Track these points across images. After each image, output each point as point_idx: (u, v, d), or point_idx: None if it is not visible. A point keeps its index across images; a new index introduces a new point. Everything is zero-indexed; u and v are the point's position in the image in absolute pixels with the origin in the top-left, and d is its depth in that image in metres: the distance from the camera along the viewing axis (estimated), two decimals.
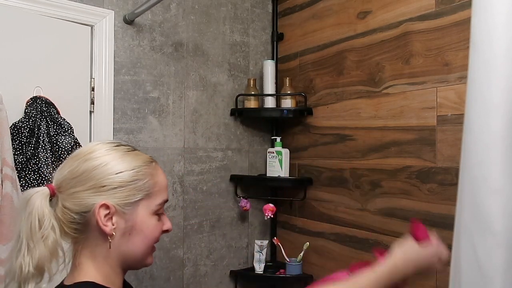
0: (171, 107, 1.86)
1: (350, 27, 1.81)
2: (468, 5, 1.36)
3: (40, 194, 0.76)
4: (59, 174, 0.80)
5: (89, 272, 0.78)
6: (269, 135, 2.17)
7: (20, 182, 1.36)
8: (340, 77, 1.85)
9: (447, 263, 0.89)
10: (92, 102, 1.65)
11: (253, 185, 2.11)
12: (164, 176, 0.87)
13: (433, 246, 0.88)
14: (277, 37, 2.17)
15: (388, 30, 1.65)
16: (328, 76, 1.91)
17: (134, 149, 0.86)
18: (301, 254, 1.93)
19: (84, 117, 1.63)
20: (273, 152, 2.02)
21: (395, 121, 1.62)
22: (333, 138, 1.88)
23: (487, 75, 0.85)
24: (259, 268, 2.01)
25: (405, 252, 0.87)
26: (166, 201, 0.86)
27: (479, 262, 0.84)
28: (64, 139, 1.47)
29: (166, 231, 0.87)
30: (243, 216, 2.09)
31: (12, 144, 1.35)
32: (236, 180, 2.05)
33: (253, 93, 2.04)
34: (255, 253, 2.03)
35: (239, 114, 2.05)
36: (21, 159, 1.38)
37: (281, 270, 2.00)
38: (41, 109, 1.45)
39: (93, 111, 1.65)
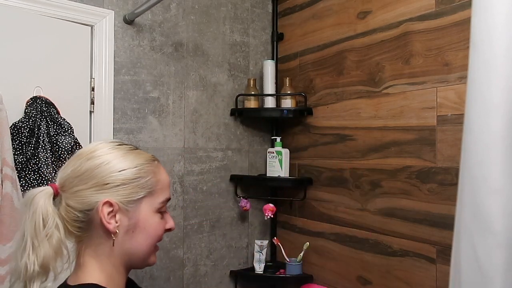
0: (171, 107, 1.86)
1: (350, 27, 1.81)
2: (468, 5, 1.36)
3: (43, 193, 0.77)
4: (63, 173, 0.80)
5: (93, 272, 0.78)
6: (269, 135, 2.17)
7: (20, 182, 1.36)
8: (340, 77, 1.85)
9: None
10: (92, 102, 1.65)
11: (253, 185, 2.11)
12: (167, 175, 0.88)
13: None
14: (277, 37, 2.17)
15: (388, 30, 1.65)
16: (328, 76, 1.91)
17: (136, 148, 0.86)
18: (301, 254, 1.93)
19: (84, 117, 1.63)
20: (273, 152, 2.02)
21: (395, 121, 1.62)
22: (333, 138, 1.88)
23: (487, 75, 0.85)
24: (259, 268, 2.01)
25: None
26: (169, 199, 0.87)
27: (479, 262, 0.84)
28: (64, 139, 1.47)
29: (169, 229, 0.87)
30: (243, 216, 2.09)
31: (12, 144, 1.35)
32: (236, 180, 2.05)
33: (253, 93, 2.04)
34: (255, 253, 2.03)
35: (239, 114, 2.05)
36: (21, 159, 1.38)
37: (281, 270, 2.00)
38: (41, 109, 1.45)
39: (93, 111, 1.65)
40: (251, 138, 2.13)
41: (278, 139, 2.04)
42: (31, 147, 1.40)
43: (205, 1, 1.98)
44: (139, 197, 0.80)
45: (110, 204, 0.77)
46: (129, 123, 1.74)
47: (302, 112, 2.00)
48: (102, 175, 0.78)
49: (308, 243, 1.93)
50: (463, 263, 0.87)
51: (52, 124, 1.46)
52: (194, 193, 1.93)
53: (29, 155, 1.40)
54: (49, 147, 1.44)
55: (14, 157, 1.35)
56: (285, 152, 2.02)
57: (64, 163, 1.44)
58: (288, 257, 1.96)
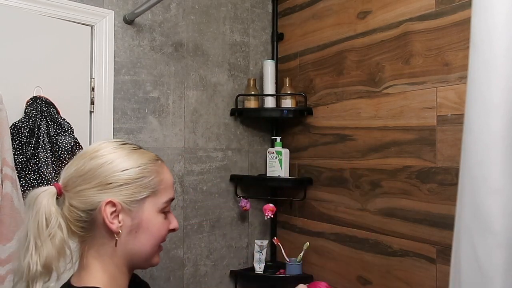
0: (171, 107, 1.86)
1: (350, 27, 1.81)
2: (468, 5, 1.36)
3: (47, 193, 0.76)
4: (66, 173, 0.80)
5: (96, 273, 0.78)
6: (269, 135, 2.17)
7: (20, 182, 1.36)
8: (340, 77, 1.85)
9: None
10: (92, 102, 1.65)
11: (253, 185, 2.11)
12: (170, 174, 0.87)
13: None
14: (277, 37, 2.17)
15: (388, 30, 1.65)
16: (328, 76, 1.91)
17: (140, 148, 0.86)
18: (301, 254, 1.93)
19: (84, 117, 1.63)
20: (273, 152, 2.02)
21: (395, 121, 1.62)
22: (333, 138, 1.88)
23: (487, 75, 0.84)
24: (259, 268, 2.01)
25: None
26: (173, 199, 0.86)
27: (479, 262, 0.84)
28: (64, 139, 1.47)
29: (173, 230, 0.86)
30: (243, 216, 2.09)
31: (12, 144, 1.35)
32: (236, 180, 2.05)
33: (253, 93, 2.04)
34: (255, 253, 2.03)
35: (239, 114, 2.05)
36: (21, 159, 1.38)
37: (281, 270, 2.00)
38: (41, 109, 1.45)
39: (93, 111, 1.65)
40: (251, 138, 2.13)
41: (278, 139, 2.04)
42: (31, 147, 1.40)
43: (205, 1, 1.98)
44: (142, 197, 0.79)
45: (113, 204, 0.76)
46: (129, 123, 1.74)
47: (302, 112, 2.00)
48: (105, 174, 0.77)
49: (308, 243, 1.93)
50: (463, 263, 0.87)
51: (52, 124, 1.46)
52: (194, 193, 1.93)
53: (29, 155, 1.40)
54: (49, 147, 1.44)
55: (14, 157, 1.35)
56: (285, 152, 2.02)
57: (64, 163, 1.46)
58: (288, 257, 1.96)
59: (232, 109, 2.05)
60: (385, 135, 1.66)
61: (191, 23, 1.93)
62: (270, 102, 2.05)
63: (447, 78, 1.46)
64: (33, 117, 1.42)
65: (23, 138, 1.40)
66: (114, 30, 1.70)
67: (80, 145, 1.52)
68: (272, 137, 2.12)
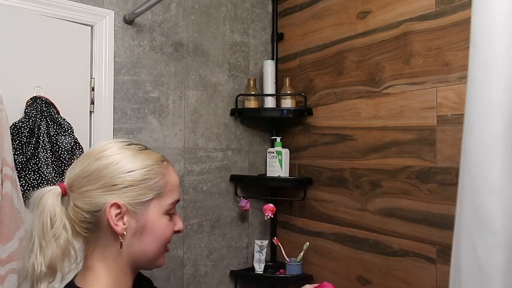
0: (171, 107, 1.86)
1: (350, 27, 1.81)
2: (468, 5, 1.36)
3: (52, 193, 0.76)
4: (71, 172, 0.79)
5: (99, 275, 0.78)
6: (269, 135, 2.17)
7: (20, 182, 1.36)
8: (340, 77, 1.85)
9: None
10: (92, 102, 1.65)
11: (253, 185, 2.11)
12: (176, 176, 0.86)
13: None
14: (277, 37, 2.17)
15: (388, 30, 1.65)
16: (328, 76, 1.91)
17: (146, 148, 0.85)
18: (301, 254, 1.93)
19: (84, 117, 1.63)
20: (273, 152, 2.02)
21: (395, 121, 1.62)
22: (333, 138, 1.88)
23: (487, 75, 0.85)
24: (259, 268, 2.01)
25: None
26: (178, 201, 0.85)
27: (479, 262, 0.84)
28: (64, 139, 1.47)
29: (178, 231, 0.86)
30: (243, 216, 2.09)
31: (12, 144, 1.35)
32: (236, 180, 2.05)
33: (253, 93, 2.04)
34: (255, 253, 2.03)
35: (239, 114, 2.05)
36: (21, 159, 1.38)
37: (281, 270, 2.00)
38: (41, 109, 1.45)
39: (93, 111, 1.65)
40: (251, 138, 2.13)
41: (278, 139, 2.04)
42: (31, 147, 1.40)
43: (205, 1, 1.98)
44: (148, 199, 0.79)
45: (117, 205, 0.76)
46: (129, 123, 1.74)
47: (302, 112, 2.00)
48: (111, 175, 0.77)
49: (308, 243, 1.93)
50: (463, 263, 0.87)
51: (52, 124, 1.46)
52: (194, 193, 1.92)
53: (29, 155, 1.40)
54: (49, 147, 1.44)
55: (14, 157, 1.35)
56: (285, 152, 2.02)
57: (64, 163, 1.45)
58: (288, 257, 1.96)
59: (232, 109, 2.05)
60: (385, 135, 1.66)
61: (191, 23, 1.93)
62: (270, 102, 2.05)
63: (447, 78, 1.46)
64: (33, 117, 1.42)
65: (23, 138, 1.40)
66: (114, 30, 1.70)
67: (80, 145, 1.52)
68: (272, 137, 2.12)
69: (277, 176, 2.00)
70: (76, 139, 1.51)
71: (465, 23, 1.39)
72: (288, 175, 2.02)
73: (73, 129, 1.50)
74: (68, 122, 1.50)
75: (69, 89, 1.57)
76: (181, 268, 1.88)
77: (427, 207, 1.50)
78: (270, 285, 2.10)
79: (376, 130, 1.69)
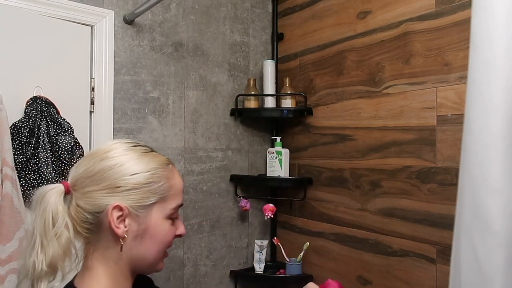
0: (171, 107, 1.86)
1: (350, 27, 1.81)
2: (468, 5, 1.36)
3: (55, 191, 0.75)
4: (75, 171, 0.79)
5: (99, 277, 0.77)
6: (269, 135, 2.17)
7: (20, 182, 1.36)
8: (340, 77, 1.85)
9: None
10: (92, 102, 1.65)
11: (253, 185, 2.11)
12: (181, 179, 0.86)
13: None
14: (277, 37, 2.17)
15: (388, 30, 1.65)
16: (328, 76, 1.91)
17: (152, 150, 0.84)
18: (301, 254, 1.93)
19: (84, 117, 1.63)
20: (273, 152, 2.02)
21: (395, 121, 1.62)
22: (333, 138, 1.88)
23: (487, 75, 0.84)
24: (259, 268, 2.01)
25: None
26: (181, 205, 0.84)
27: (479, 262, 0.84)
28: (64, 139, 1.47)
29: (179, 235, 0.85)
30: (243, 216, 2.09)
31: (12, 144, 1.35)
32: (236, 180, 2.05)
33: (253, 93, 2.04)
34: (255, 253, 2.03)
35: (239, 114, 2.05)
36: (21, 159, 1.38)
37: (281, 270, 2.00)
38: (41, 109, 1.45)
39: (93, 111, 1.65)
40: (251, 138, 2.13)
41: (278, 139, 2.04)
42: (31, 147, 1.41)
43: (205, 1, 1.98)
44: (150, 202, 0.78)
45: (120, 208, 0.75)
46: (129, 123, 1.74)
47: (302, 112, 2.00)
48: (115, 177, 0.76)
49: (308, 243, 1.93)
50: (463, 263, 0.87)
51: (52, 124, 1.46)
52: (194, 193, 1.92)
53: (29, 155, 1.40)
54: (49, 147, 1.44)
55: (14, 157, 1.35)
56: (285, 152, 2.02)
57: (64, 163, 1.45)
58: (288, 257, 1.96)
59: (232, 109, 2.05)
60: (385, 135, 1.66)
61: (191, 23, 1.93)
62: (270, 102, 2.05)
63: (447, 78, 1.46)
64: (33, 117, 1.42)
65: (23, 138, 1.40)
66: (114, 30, 1.70)
67: (80, 145, 1.52)
68: (272, 137, 2.12)
69: (277, 176, 2.00)
70: (76, 139, 1.51)
71: (465, 23, 1.39)
72: (288, 175, 2.02)
73: (73, 129, 1.50)
74: (68, 122, 1.50)
75: (69, 89, 1.57)
76: (181, 268, 1.88)
77: (427, 207, 1.50)
78: (270, 285, 2.10)
79: (376, 130, 1.69)
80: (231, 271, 2.04)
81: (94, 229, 0.77)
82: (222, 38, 2.04)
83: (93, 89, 1.65)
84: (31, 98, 1.45)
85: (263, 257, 2.02)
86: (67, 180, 0.79)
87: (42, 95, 1.48)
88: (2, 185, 1.26)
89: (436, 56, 1.49)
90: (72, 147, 1.48)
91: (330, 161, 1.89)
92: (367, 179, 1.72)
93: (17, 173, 1.35)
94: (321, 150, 1.94)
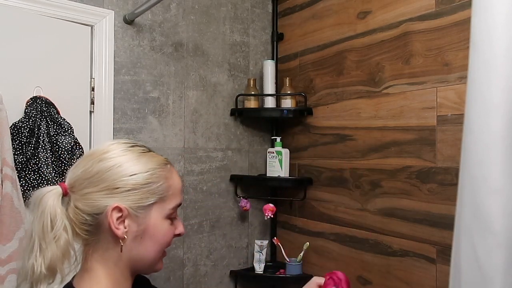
0: (171, 107, 1.86)
1: (350, 27, 1.81)
2: (468, 5, 1.36)
3: (52, 193, 0.75)
4: (73, 173, 0.78)
5: (99, 278, 0.77)
6: (269, 135, 2.17)
7: (20, 182, 1.36)
8: (340, 77, 1.85)
9: None
10: (92, 102, 1.65)
11: (253, 185, 2.11)
12: (179, 179, 0.85)
13: None
14: (277, 37, 2.17)
15: (388, 30, 1.65)
16: (328, 76, 1.91)
17: (149, 150, 0.84)
18: (301, 254, 1.93)
19: (84, 117, 1.63)
20: (273, 152, 2.02)
21: (395, 121, 1.62)
22: (333, 138, 1.88)
23: (487, 75, 0.84)
24: (259, 268, 2.01)
25: None
26: (180, 205, 0.84)
27: (479, 262, 0.84)
28: (64, 139, 1.47)
29: (178, 235, 0.85)
30: (243, 216, 2.09)
31: (12, 144, 1.35)
32: (236, 180, 2.05)
33: (253, 93, 2.04)
34: (255, 253, 2.03)
35: (239, 114, 2.05)
36: (21, 159, 1.38)
37: (281, 270, 2.00)
38: (41, 109, 1.45)
39: (93, 111, 1.65)
40: (251, 138, 2.13)
41: (278, 139, 2.04)
42: (31, 147, 1.40)
43: (205, 1, 1.98)
44: (150, 203, 0.78)
45: (119, 209, 0.75)
46: (129, 123, 1.74)
47: (302, 112, 2.00)
48: (113, 178, 0.76)
49: (308, 243, 1.93)
50: (463, 263, 0.87)
51: (52, 124, 1.46)
52: (194, 193, 1.93)
53: (29, 155, 1.40)
54: (49, 147, 1.44)
55: (14, 157, 1.35)
56: (285, 152, 2.02)
57: (64, 163, 1.45)
58: (288, 257, 1.96)
59: (232, 109, 2.05)
60: (385, 135, 1.66)
61: (191, 23, 1.93)
62: (270, 102, 2.05)
63: (447, 78, 1.46)
64: (33, 117, 1.42)
65: (23, 138, 1.40)
66: (114, 30, 1.70)
67: (80, 145, 1.52)
68: (272, 137, 2.12)
69: (277, 176, 2.00)
70: (76, 139, 1.51)
71: (465, 23, 1.39)
72: (288, 175, 2.02)
73: (73, 129, 1.50)
74: (68, 122, 1.50)
75: (69, 89, 1.57)
76: (181, 268, 1.88)
77: (427, 207, 1.50)
78: (270, 285, 2.10)
79: (376, 130, 1.69)
80: (231, 271, 2.04)
81: (93, 230, 0.77)
82: (222, 38, 2.04)
83: (93, 89, 1.65)
84: (31, 98, 1.45)
85: (263, 257, 2.02)
86: (65, 181, 0.79)
87: (42, 95, 1.47)
88: (2, 185, 1.26)
89: (436, 56, 1.49)
90: (72, 147, 1.48)
91: (330, 161, 1.89)
92: (367, 179, 1.72)
93: (17, 173, 1.35)
94: (321, 150, 1.94)
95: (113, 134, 1.69)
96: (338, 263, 1.83)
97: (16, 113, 1.41)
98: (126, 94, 1.74)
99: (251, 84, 2.05)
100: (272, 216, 1.97)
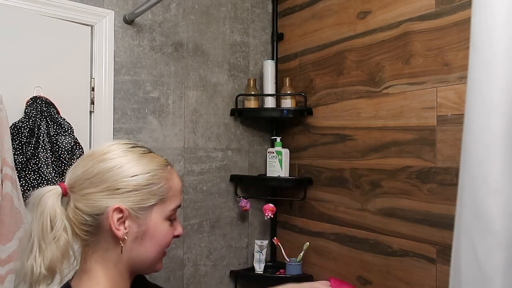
0: (171, 107, 1.86)
1: (350, 27, 1.81)
2: (468, 5, 1.36)
3: (52, 193, 0.74)
4: (72, 173, 0.78)
5: (98, 279, 0.77)
6: (269, 135, 2.17)
7: (20, 182, 1.36)
8: (340, 77, 1.85)
9: None
10: (92, 102, 1.65)
11: (253, 185, 2.11)
12: (179, 180, 0.85)
13: None
14: (277, 37, 2.17)
15: (388, 30, 1.65)
16: (328, 76, 1.91)
17: (150, 151, 0.84)
18: (301, 254, 1.93)
19: (84, 117, 1.63)
20: (273, 152, 2.02)
21: (395, 121, 1.62)
22: (333, 138, 1.88)
23: (487, 75, 0.84)
24: (259, 268, 2.01)
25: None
26: (180, 206, 0.84)
27: (479, 262, 0.84)
28: (64, 139, 1.47)
29: (177, 236, 0.85)
30: (243, 216, 2.09)
31: (12, 144, 1.35)
32: (236, 180, 2.05)
33: (253, 93, 2.04)
34: (255, 253, 2.03)
35: (239, 114, 2.05)
36: (21, 159, 1.38)
37: (281, 270, 2.00)
38: (41, 109, 1.45)
39: (93, 111, 1.65)
40: (251, 138, 2.13)
41: (278, 139, 2.04)
42: (31, 147, 1.41)
43: (205, 1, 1.98)
44: (150, 204, 0.77)
45: (120, 210, 0.74)
46: (129, 123, 1.74)
47: (302, 112, 2.00)
48: (114, 179, 0.75)
49: (308, 243, 1.93)
50: (463, 263, 0.87)
51: (52, 124, 1.46)
52: (194, 193, 1.93)
53: (29, 155, 1.40)
54: (49, 147, 1.44)
55: (14, 157, 1.35)
56: (285, 152, 2.02)
57: (64, 163, 1.45)
58: (288, 257, 1.96)
59: (232, 109, 2.05)
60: (385, 135, 1.66)
61: (191, 23, 1.93)
62: (270, 102, 2.05)
63: (447, 78, 1.46)
64: (33, 117, 1.42)
65: (23, 138, 1.40)
66: (114, 30, 1.70)
67: (80, 145, 1.52)
68: (272, 137, 2.12)
69: (277, 176, 2.00)
70: (76, 139, 1.51)
71: (465, 23, 1.39)
72: (288, 175, 2.02)
73: (73, 129, 1.50)
74: (68, 122, 1.50)
75: (69, 89, 1.57)
76: (181, 268, 1.88)
77: (427, 207, 1.50)
78: (270, 285, 2.09)
79: (376, 130, 1.69)
80: (231, 271, 2.04)
81: (93, 231, 0.76)
82: (222, 38, 2.04)
83: (93, 89, 1.65)
84: (31, 98, 1.45)
85: (263, 257, 2.02)
86: (64, 181, 0.78)
87: (42, 95, 1.48)
88: (2, 185, 1.26)
89: (436, 56, 1.49)
90: (72, 147, 1.48)
91: (330, 161, 1.89)
92: (367, 179, 1.72)
93: (17, 173, 1.35)
94: (321, 150, 1.94)
95: (113, 134, 1.69)
96: (338, 263, 1.83)
97: (16, 113, 1.41)
98: (126, 94, 1.74)
99: (251, 84, 2.05)
100: (272, 216, 1.97)
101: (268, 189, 2.14)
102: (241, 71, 2.10)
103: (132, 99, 1.75)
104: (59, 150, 1.45)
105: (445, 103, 1.46)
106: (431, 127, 1.50)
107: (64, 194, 0.76)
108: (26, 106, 1.44)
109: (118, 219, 0.75)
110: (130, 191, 0.76)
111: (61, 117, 1.49)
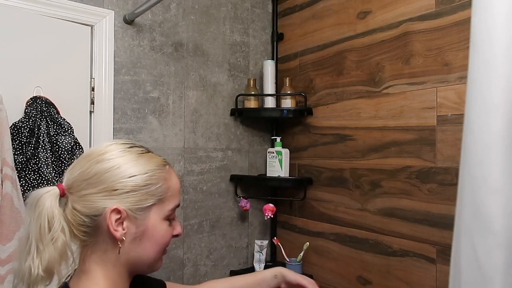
0: (171, 107, 1.86)
1: (350, 27, 1.81)
2: (468, 5, 1.36)
3: (50, 194, 0.74)
4: (70, 174, 0.77)
5: (97, 280, 0.76)
6: (269, 135, 2.17)
7: (20, 182, 1.36)
8: (340, 77, 1.85)
9: None
10: (92, 102, 1.65)
11: (253, 185, 2.11)
12: (178, 180, 0.85)
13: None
14: (277, 37, 2.17)
15: (388, 30, 1.65)
16: (328, 76, 1.91)
17: (148, 151, 0.83)
18: (301, 254, 1.93)
19: (84, 117, 1.63)
20: (273, 152, 2.02)
21: (395, 121, 1.62)
22: (333, 138, 1.88)
23: (487, 75, 0.84)
24: (259, 268, 2.01)
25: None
26: (178, 205, 0.84)
27: (479, 262, 0.84)
28: (64, 139, 1.47)
29: (176, 235, 0.85)
30: (243, 216, 2.09)
31: (12, 144, 1.35)
32: (236, 180, 2.05)
33: (253, 93, 2.04)
34: (255, 253, 2.03)
35: (239, 114, 2.05)
36: (21, 159, 1.38)
37: None
38: (41, 109, 1.45)
39: (93, 111, 1.65)
40: (251, 138, 2.13)
41: (278, 139, 2.04)
42: (31, 147, 1.40)
43: (205, 1, 1.98)
44: (148, 204, 0.77)
45: (118, 211, 0.74)
46: (129, 123, 1.74)
47: (302, 112, 2.00)
48: (112, 180, 0.75)
49: (308, 243, 1.93)
50: (463, 263, 0.87)
51: (52, 124, 1.46)
52: (194, 193, 1.93)
53: (29, 155, 1.40)
54: (49, 147, 1.44)
55: (14, 157, 1.35)
56: (285, 152, 2.02)
57: (64, 163, 1.45)
58: (288, 257, 1.96)
59: (232, 109, 2.05)
60: (385, 135, 1.66)
61: (191, 23, 1.93)
62: (270, 102, 2.05)
63: (447, 78, 1.46)
64: (33, 117, 1.42)
65: (23, 138, 1.40)
66: (114, 30, 1.70)
67: (80, 145, 1.52)
68: (272, 137, 2.12)
69: (277, 176, 2.00)
70: (76, 139, 1.51)
71: (465, 23, 1.39)
72: (288, 175, 2.02)
73: (73, 129, 1.50)
74: (68, 122, 1.50)
75: (69, 89, 1.57)
76: (181, 268, 1.88)
77: (427, 207, 1.50)
78: None
79: (376, 130, 1.69)
80: (231, 271, 2.04)
81: (91, 232, 0.76)
82: (222, 38, 2.04)
83: (93, 89, 1.65)
84: (31, 98, 1.45)
85: (263, 257, 2.02)
86: (62, 182, 0.78)
87: (42, 95, 1.48)
88: (2, 185, 1.26)
89: (436, 56, 1.49)
90: (72, 147, 1.48)
91: (330, 161, 1.89)
92: (367, 179, 1.72)
93: (17, 173, 1.35)
94: (321, 150, 1.94)
95: (113, 134, 1.69)
96: (338, 263, 1.83)
97: (16, 113, 1.41)
98: (126, 94, 1.74)
99: (251, 84, 2.05)
100: (272, 216, 1.97)
101: (268, 189, 2.14)
102: (241, 71, 2.10)
103: (132, 99, 1.75)
104: (59, 150, 1.45)
105: (445, 103, 1.46)
106: (431, 127, 1.50)
107: (62, 195, 0.76)
108: (26, 106, 1.44)
109: (116, 220, 0.75)
110: (128, 191, 0.75)
111: (61, 117, 1.49)
